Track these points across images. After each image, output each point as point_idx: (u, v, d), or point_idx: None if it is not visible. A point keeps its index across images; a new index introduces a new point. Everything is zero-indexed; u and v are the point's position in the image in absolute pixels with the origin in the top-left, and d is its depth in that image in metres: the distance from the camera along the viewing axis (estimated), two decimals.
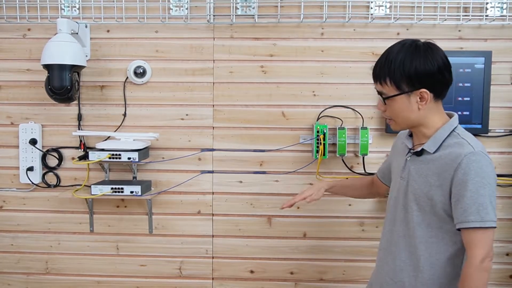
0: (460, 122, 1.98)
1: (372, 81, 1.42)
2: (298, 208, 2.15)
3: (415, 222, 1.35)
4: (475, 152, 1.24)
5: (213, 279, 2.22)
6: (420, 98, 1.31)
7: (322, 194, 1.64)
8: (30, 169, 2.15)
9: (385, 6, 2.07)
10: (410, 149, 1.42)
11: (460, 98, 2.02)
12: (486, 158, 1.25)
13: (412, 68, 1.28)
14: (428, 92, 1.30)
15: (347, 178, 2.12)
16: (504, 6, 2.04)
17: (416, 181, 1.35)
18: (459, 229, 1.26)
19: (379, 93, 1.35)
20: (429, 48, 1.31)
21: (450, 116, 1.38)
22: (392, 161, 1.58)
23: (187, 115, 2.16)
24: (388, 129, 2.07)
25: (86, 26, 2.12)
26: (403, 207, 1.39)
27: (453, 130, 1.34)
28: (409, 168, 1.38)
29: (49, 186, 2.20)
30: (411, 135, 1.45)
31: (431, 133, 1.35)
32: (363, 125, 2.09)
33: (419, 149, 1.36)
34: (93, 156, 1.98)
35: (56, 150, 2.18)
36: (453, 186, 1.25)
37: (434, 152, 1.32)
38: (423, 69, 1.28)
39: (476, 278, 1.21)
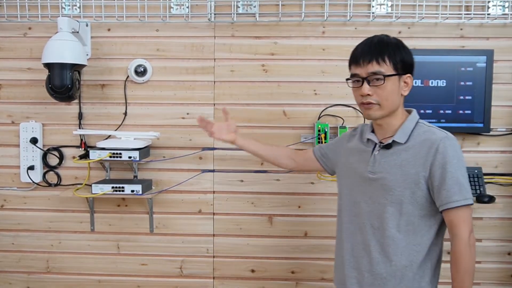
0: (462, 121, 2.04)
1: None
2: (300, 207, 2.15)
3: (389, 213, 1.34)
4: (448, 136, 1.33)
5: (214, 278, 2.21)
6: (404, 82, 1.37)
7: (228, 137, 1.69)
8: (31, 168, 2.15)
9: (387, 5, 2.06)
10: (376, 143, 1.42)
11: (462, 97, 2.02)
12: (457, 142, 1.34)
13: (404, 53, 1.36)
14: (411, 78, 1.38)
15: None
16: (506, 4, 2.03)
17: (390, 173, 1.35)
18: (442, 211, 1.30)
19: (373, 73, 1.33)
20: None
21: (409, 112, 1.44)
22: (340, 158, 1.55)
23: (188, 114, 2.16)
24: None
25: (87, 25, 2.12)
26: (373, 201, 1.38)
27: (417, 121, 1.40)
28: (380, 161, 1.38)
29: (50, 185, 2.20)
30: (373, 131, 1.46)
31: (398, 125, 1.39)
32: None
33: (389, 141, 1.38)
34: (94, 155, 1.98)
35: (56, 149, 2.18)
36: (433, 170, 1.30)
37: (405, 143, 1.36)
38: (411, 57, 1.38)
39: (468, 253, 1.27)
